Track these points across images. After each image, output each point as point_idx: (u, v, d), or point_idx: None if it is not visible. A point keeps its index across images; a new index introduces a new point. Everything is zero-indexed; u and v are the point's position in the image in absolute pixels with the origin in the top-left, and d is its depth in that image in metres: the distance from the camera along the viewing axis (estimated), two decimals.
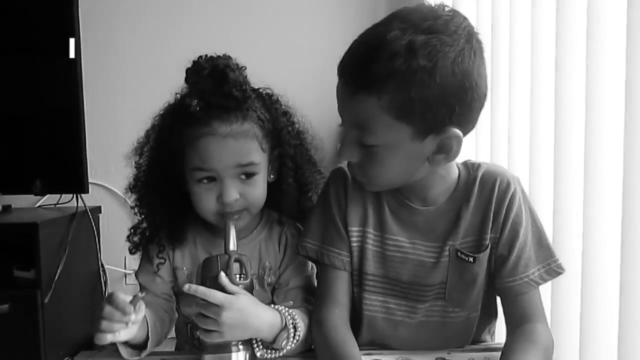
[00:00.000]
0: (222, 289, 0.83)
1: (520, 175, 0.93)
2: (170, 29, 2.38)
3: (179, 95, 0.95)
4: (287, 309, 0.89)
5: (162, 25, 2.38)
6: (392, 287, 0.91)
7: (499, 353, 0.82)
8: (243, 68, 0.95)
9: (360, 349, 0.85)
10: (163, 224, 0.98)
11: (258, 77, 0.97)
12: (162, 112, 0.97)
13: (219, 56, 0.93)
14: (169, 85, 0.96)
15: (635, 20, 0.89)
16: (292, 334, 0.87)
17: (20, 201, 2.12)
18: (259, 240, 1.01)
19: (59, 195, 2.12)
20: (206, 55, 0.93)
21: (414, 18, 0.75)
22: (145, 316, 0.86)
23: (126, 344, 0.86)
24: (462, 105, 0.77)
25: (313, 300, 0.97)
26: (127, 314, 0.78)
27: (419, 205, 0.90)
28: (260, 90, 0.98)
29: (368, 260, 0.91)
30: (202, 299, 0.83)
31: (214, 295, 0.82)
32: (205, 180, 0.92)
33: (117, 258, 2.31)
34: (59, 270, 1.83)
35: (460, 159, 0.94)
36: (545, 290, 0.95)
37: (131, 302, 0.79)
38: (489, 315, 0.98)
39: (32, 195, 2.09)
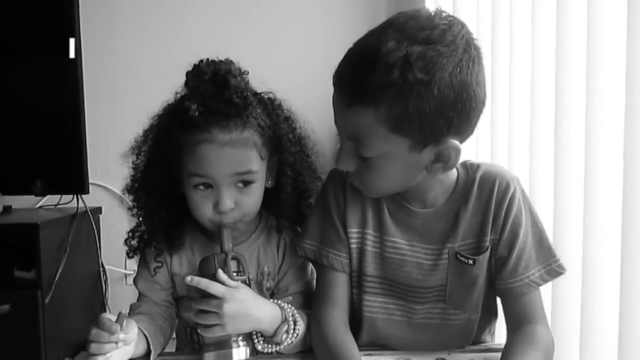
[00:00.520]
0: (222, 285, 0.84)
1: (520, 175, 0.93)
2: (171, 28, 2.37)
3: (178, 95, 0.94)
4: (286, 303, 0.90)
5: (163, 25, 2.38)
6: (391, 288, 0.91)
7: (499, 354, 0.82)
8: (245, 73, 0.93)
9: (360, 350, 0.85)
10: (160, 227, 0.97)
11: (257, 77, 0.95)
12: (160, 112, 0.96)
13: (220, 61, 0.91)
14: (169, 85, 0.95)
15: (636, 21, 0.89)
16: (292, 328, 0.87)
17: (21, 202, 2.11)
18: (257, 245, 1.01)
19: (59, 196, 2.12)
20: (208, 59, 0.91)
21: (410, 27, 0.73)
22: (142, 330, 0.86)
23: None
24: (460, 116, 0.75)
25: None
26: (114, 332, 0.78)
27: (418, 208, 0.90)
28: (262, 95, 0.96)
29: (368, 261, 0.91)
30: (202, 294, 0.83)
31: (216, 287, 0.83)
32: (201, 187, 0.90)
33: (118, 258, 2.31)
34: (59, 271, 1.83)
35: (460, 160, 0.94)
36: (545, 290, 0.94)
37: (117, 320, 0.79)
38: (489, 316, 0.98)
39: (32, 196, 2.08)
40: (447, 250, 0.88)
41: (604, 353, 1.00)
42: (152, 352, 0.88)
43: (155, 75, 2.29)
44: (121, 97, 2.37)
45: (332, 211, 0.92)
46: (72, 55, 1.90)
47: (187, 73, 0.92)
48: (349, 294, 0.93)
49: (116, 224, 2.15)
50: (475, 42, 0.77)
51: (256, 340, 0.87)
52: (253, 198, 0.93)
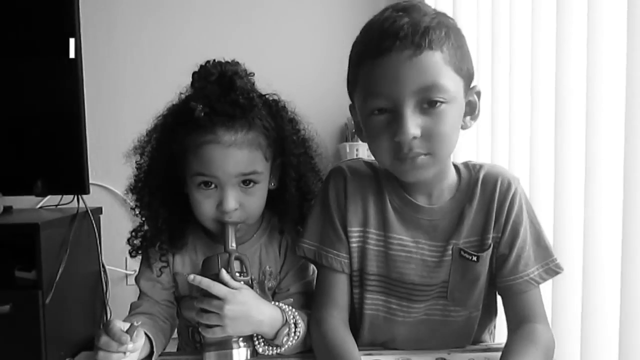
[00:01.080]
0: (224, 286, 0.84)
1: (520, 175, 0.94)
2: (172, 28, 2.38)
3: (183, 96, 0.94)
4: (287, 305, 0.90)
5: (163, 26, 2.38)
6: (393, 286, 0.92)
7: (499, 353, 0.82)
8: (251, 74, 0.93)
9: (360, 349, 0.85)
10: (164, 227, 0.97)
11: (259, 78, 0.95)
12: (165, 112, 0.96)
13: (227, 62, 0.91)
14: (170, 85, 0.95)
15: (636, 21, 0.89)
16: (292, 330, 0.87)
17: (22, 202, 2.12)
18: (260, 245, 1.01)
19: (60, 196, 2.12)
20: (214, 60, 0.91)
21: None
22: (145, 333, 0.86)
23: None
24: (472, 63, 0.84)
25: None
26: (124, 343, 0.78)
27: (424, 203, 0.90)
28: (267, 97, 0.96)
29: (369, 260, 0.91)
30: (204, 294, 0.84)
31: (218, 287, 0.83)
32: (205, 186, 0.91)
33: (118, 259, 2.31)
34: (60, 271, 1.84)
35: (460, 159, 0.95)
36: (545, 290, 0.95)
37: (127, 331, 0.79)
38: (489, 315, 0.98)
39: (33, 196, 2.09)
40: (451, 247, 0.88)
41: (605, 352, 1.00)
42: (155, 353, 0.88)
43: (155, 75, 2.30)
44: (121, 97, 2.38)
45: (332, 210, 0.92)
46: (72, 55, 1.91)
47: (194, 74, 0.92)
48: (349, 294, 0.93)
49: (117, 224, 2.14)
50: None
51: (257, 343, 0.87)
52: (257, 199, 0.93)
